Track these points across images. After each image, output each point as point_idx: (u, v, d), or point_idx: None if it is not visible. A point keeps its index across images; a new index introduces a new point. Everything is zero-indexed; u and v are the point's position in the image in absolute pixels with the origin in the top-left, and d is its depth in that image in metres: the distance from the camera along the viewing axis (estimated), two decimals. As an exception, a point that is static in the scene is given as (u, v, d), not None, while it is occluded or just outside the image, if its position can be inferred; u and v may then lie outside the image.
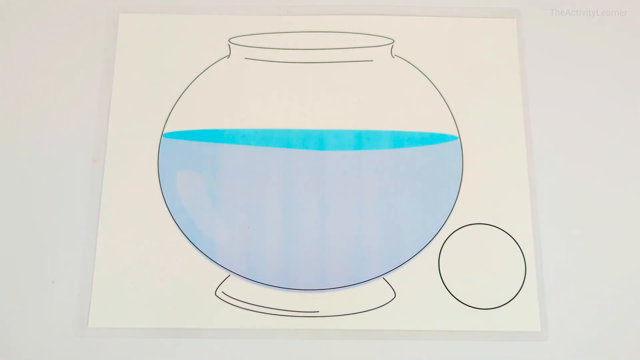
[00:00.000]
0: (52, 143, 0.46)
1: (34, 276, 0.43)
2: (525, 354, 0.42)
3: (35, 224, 0.44)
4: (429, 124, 0.46)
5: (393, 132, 0.46)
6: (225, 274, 0.43)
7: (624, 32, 0.50)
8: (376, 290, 0.43)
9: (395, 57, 0.48)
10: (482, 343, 0.42)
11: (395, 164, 0.45)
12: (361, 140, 0.46)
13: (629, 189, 0.46)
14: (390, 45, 0.48)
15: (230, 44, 0.48)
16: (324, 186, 0.45)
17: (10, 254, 0.44)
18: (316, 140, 0.46)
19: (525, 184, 0.45)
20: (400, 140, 0.46)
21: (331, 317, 0.43)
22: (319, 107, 0.47)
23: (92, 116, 0.47)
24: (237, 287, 0.43)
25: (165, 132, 0.46)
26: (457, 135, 0.46)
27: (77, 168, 0.46)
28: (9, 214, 0.45)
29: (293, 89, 0.47)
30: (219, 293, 0.43)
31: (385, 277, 0.44)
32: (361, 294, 0.43)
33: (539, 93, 0.48)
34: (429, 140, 0.46)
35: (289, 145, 0.46)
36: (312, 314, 0.43)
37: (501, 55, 0.48)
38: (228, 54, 0.48)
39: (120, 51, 0.48)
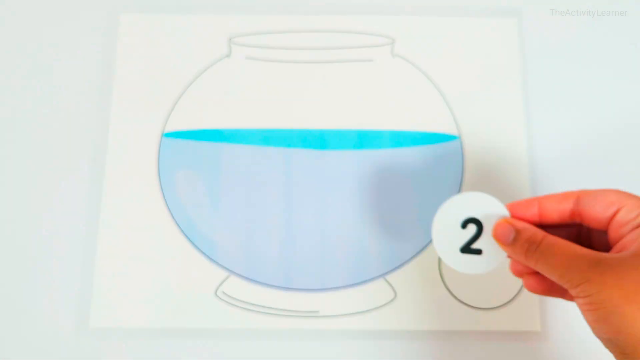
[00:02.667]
0: (52, 143, 0.46)
1: (34, 276, 0.43)
2: (525, 354, 0.42)
3: (35, 224, 0.44)
4: (429, 124, 0.46)
5: (393, 131, 0.46)
6: (225, 274, 0.43)
7: (624, 32, 0.50)
8: (376, 290, 0.43)
9: (395, 57, 0.48)
10: (482, 343, 0.42)
11: (395, 163, 0.45)
12: (361, 139, 0.46)
13: (630, 189, 0.46)
14: (390, 45, 0.48)
15: (231, 44, 0.48)
16: (324, 186, 0.45)
17: (10, 253, 0.44)
18: (316, 140, 0.46)
19: (526, 184, 0.45)
20: (400, 140, 0.46)
21: (331, 317, 0.43)
22: (319, 107, 0.47)
23: (92, 116, 0.47)
24: (237, 287, 0.43)
25: (165, 132, 0.46)
26: (458, 135, 0.46)
27: (77, 168, 0.46)
28: (8, 213, 0.45)
29: (293, 89, 0.47)
30: (219, 293, 0.43)
31: (386, 277, 0.44)
32: (361, 294, 0.43)
33: (539, 93, 0.48)
34: (429, 140, 0.46)
35: (289, 145, 0.46)
36: (312, 314, 0.43)
37: (501, 55, 0.48)
38: (228, 53, 0.48)
39: (120, 51, 0.48)
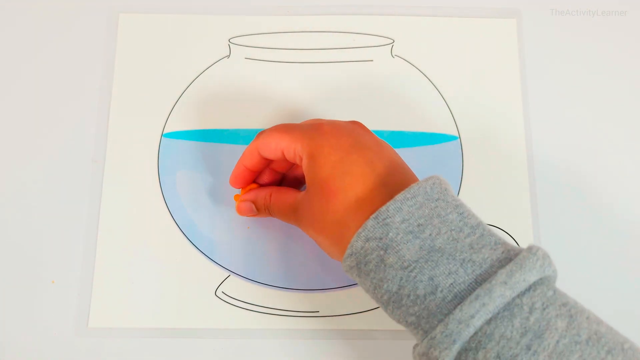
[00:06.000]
0: (52, 143, 0.46)
1: (34, 276, 0.43)
2: (525, 354, 0.42)
3: (35, 224, 0.44)
4: (429, 124, 0.46)
5: (393, 132, 0.46)
6: (225, 274, 0.43)
7: (624, 32, 0.50)
8: (376, 290, 0.43)
9: (395, 57, 0.48)
10: (482, 343, 0.42)
11: (395, 164, 0.45)
12: (361, 140, 0.46)
13: (630, 189, 0.46)
14: (390, 45, 0.48)
15: (230, 44, 0.48)
16: (324, 186, 0.45)
17: (10, 254, 0.44)
18: (316, 140, 0.46)
19: (525, 184, 0.45)
20: (400, 140, 0.46)
21: (331, 317, 0.43)
22: (319, 107, 0.47)
23: (92, 116, 0.47)
24: (237, 287, 0.43)
25: (165, 132, 0.46)
26: (457, 135, 0.46)
27: (77, 168, 0.46)
28: (8, 214, 0.45)
29: (293, 89, 0.47)
30: (219, 293, 0.43)
31: (385, 277, 0.44)
32: (361, 294, 0.43)
33: (539, 93, 0.48)
34: (428, 140, 0.46)
35: (289, 145, 0.45)
36: (312, 314, 0.43)
37: (501, 55, 0.48)
38: (228, 54, 0.48)
39: (120, 51, 0.48)
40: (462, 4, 0.50)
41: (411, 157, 0.45)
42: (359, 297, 0.43)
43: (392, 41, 0.49)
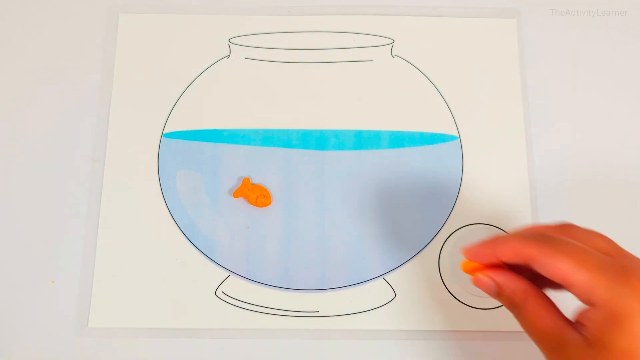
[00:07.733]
0: (52, 143, 0.46)
1: (34, 276, 0.43)
2: (525, 354, 0.42)
3: (35, 223, 0.44)
4: (429, 124, 0.46)
5: (393, 132, 0.46)
6: (225, 274, 0.43)
7: (624, 32, 0.50)
8: (376, 290, 0.43)
9: (395, 57, 0.48)
10: (482, 343, 0.42)
11: (395, 164, 0.45)
12: (361, 140, 0.46)
13: (630, 189, 0.46)
14: (390, 45, 0.48)
15: (230, 44, 0.48)
16: (324, 186, 0.45)
17: (10, 253, 0.44)
18: (316, 140, 0.46)
19: (525, 184, 0.45)
20: (400, 140, 0.46)
21: (331, 317, 0.43)
22: (319, 107, 0.47)
23: (92, 116, 0.47)
24: (237, 287, 0.43)
25: (165, 132, 0.46)
26: (457, 135, 0.46)
27: (77, 168, 0.46)
28: (8, 213, 0.45)
29: (293, 89, 0.47)
30: (219, 293, 0.43)
31: (385, 277, 0.44)
32: (361, 294, 0.43)
33: (539, 93, 0.48)
34: (429, 140, 0.46)
35: (289, 145, 0.46)
36: (312, 314, 0.43)
37: (501, 55, 0.48)
38: (228, 54, 0.48)
39: (120, 51, 0.48)
40: (462, 4, 0.50)
41: (411, 158, 0.45)
42: (359, 297, 0.43)
43: (392, 41, 0.49)
